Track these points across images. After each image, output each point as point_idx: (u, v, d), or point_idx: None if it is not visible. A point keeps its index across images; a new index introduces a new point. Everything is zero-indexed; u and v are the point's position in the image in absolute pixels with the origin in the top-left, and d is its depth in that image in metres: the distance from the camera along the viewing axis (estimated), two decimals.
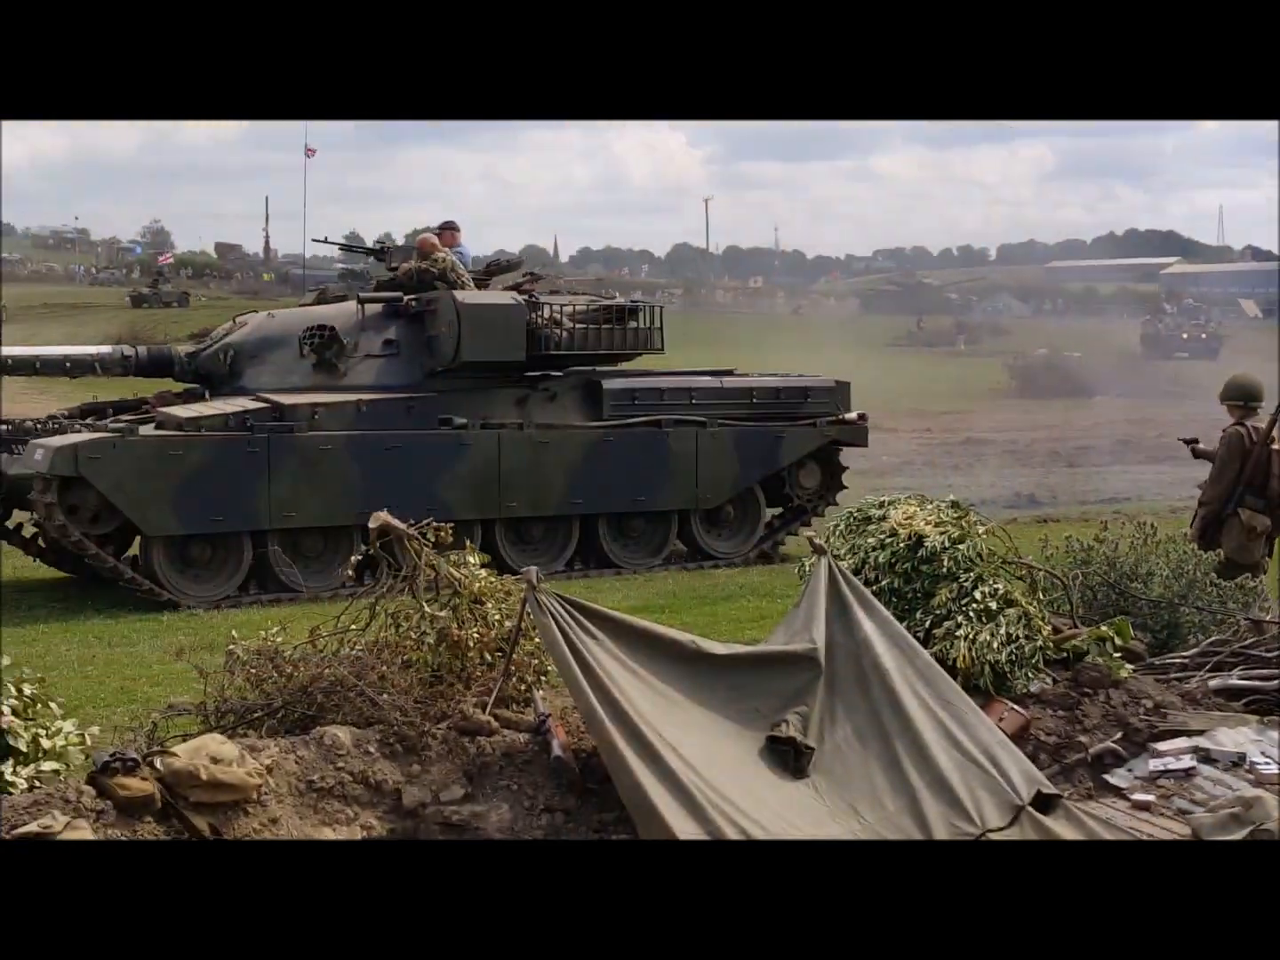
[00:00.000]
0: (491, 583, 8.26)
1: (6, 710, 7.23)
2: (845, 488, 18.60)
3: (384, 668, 7.79)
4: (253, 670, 7.94)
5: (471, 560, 8.34)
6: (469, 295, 16.91)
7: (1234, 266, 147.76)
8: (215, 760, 6.77)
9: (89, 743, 7.47)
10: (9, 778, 6.91)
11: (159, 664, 11.95)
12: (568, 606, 7.29)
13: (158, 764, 6.70)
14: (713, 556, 17.92)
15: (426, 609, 8.05)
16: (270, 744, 7.22)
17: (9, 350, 17.34)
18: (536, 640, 7.87)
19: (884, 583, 8.88)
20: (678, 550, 18.00)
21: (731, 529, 18.32)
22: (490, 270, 18.83)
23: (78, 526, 14.51)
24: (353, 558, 9.12)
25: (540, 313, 17.06)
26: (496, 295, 17.36)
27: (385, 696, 7.55)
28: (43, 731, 7.28)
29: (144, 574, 14.93)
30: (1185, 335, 68.88)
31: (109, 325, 49.24)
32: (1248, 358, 52.94)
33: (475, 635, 7.98)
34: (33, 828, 6.15)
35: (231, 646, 8.07)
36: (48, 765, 7.14)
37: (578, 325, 17.35)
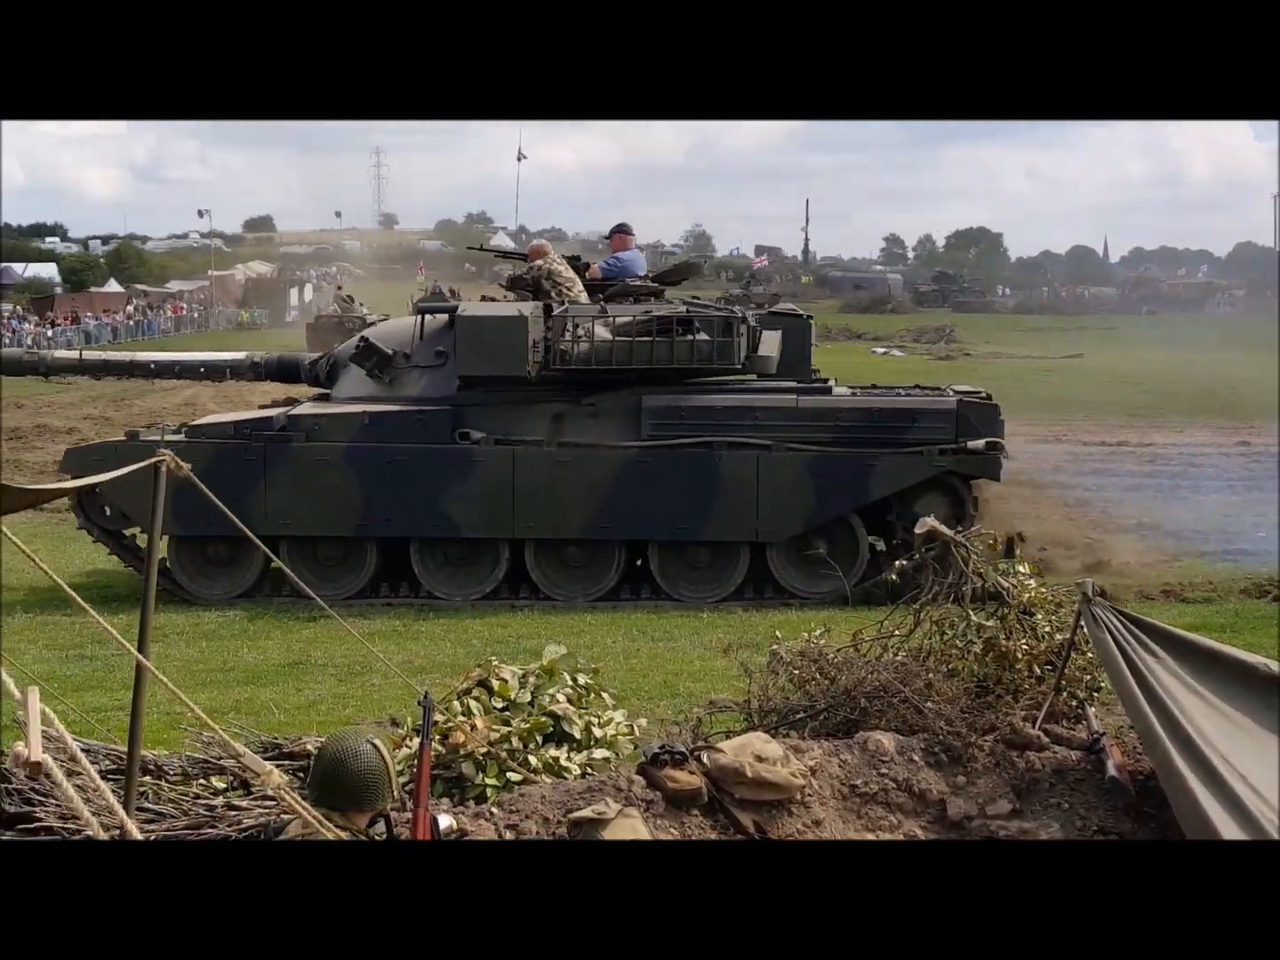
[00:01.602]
0: (1042, 593, 8.00)
1: (562, 698, 7.53)
2: (976, 525, 14.89)
3: (929, 675, 7.67)
4: (796, 671, 7.99)
5: (1021, 570, 8.11)
6: (471, 308, 16.03)
7: None
8: (760, 759, 6.82)
9: (637, 733, 7.70)
10: (564, 763, 7.20)
11: (700, 660, 12.22)
12: (1125, 622, 6.95)
13: (704, 759, 6.80)
14: (795, 595, 15.49)
15: (973, 618, 7.88)
16: (814, 746, 7.21)
17: (151, 356, 18.28)
18: (1089, 655, 7.56)
19: None
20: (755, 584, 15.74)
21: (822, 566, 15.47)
22: (660, 278, 17.48)
23: (99, 523, 15.27)
24: (898, 562, 8.99)
25: (560, 325, 15.48)
26: (501, 308, 16.07)
27: (930, 705, 7.42)
28: (595, 720, 7.55)
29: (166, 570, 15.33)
30: None
31: None
32: None
33: (1024, 647, 7.75)
34: (587, 812, 6.35)
35: (775, 647, 8.14)
36: (599, 753, 7.40)
37: (619, 339, 15.44)
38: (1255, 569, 16.71)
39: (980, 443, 15.44)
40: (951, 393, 16.90)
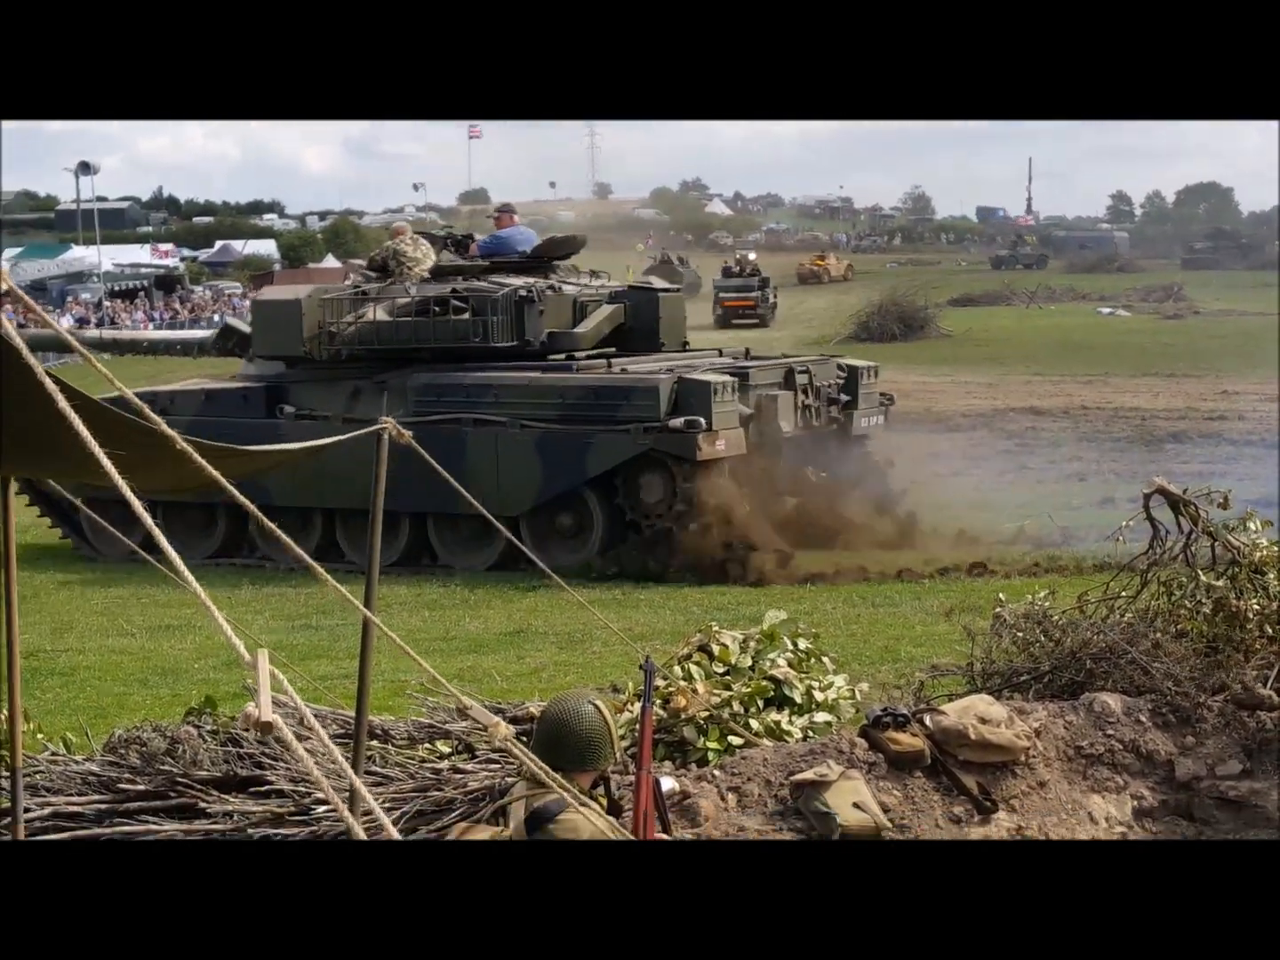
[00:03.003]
0: (1274, 551, 7.81)
1: (783, 663, 7.59)
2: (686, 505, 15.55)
3: (1156, 636, 7.55)
4: (1020, 634, 7.93)
5: (1253, 527, 7.93)
6: (267, 291, 17.22)
7: None
8: (983, 721, 6.79)
9: (858, 698, 7.72)
10: (785, 726, 7.25)
11: (921, 625, 12.17)
12: None
13: (927, 721, 6.80)
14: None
15: (1203, 577, 7.73)
16: (1038, 707, 7.16)
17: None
18: None
19: None
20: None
21: (565, 540, 16.12)
22: (544, 253, 17.86)
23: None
24: (1124, 523, 8.86)
25: (335, 307, 16.74)
26: (286, 291, 17.28)
27: (1158, 665, 7.31)
28: (816, 684, 7.59)
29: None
30: None
31: (870, 291, 50.56)
32: None
33: (1255, 606, 7.58)
34: (809, 775, 6.40)
35: (999, 609, 8.08)
36: (821, 717, 7.43)
37: (402, 319, 16.54)
38: None
39: (680, 421, 15.28)
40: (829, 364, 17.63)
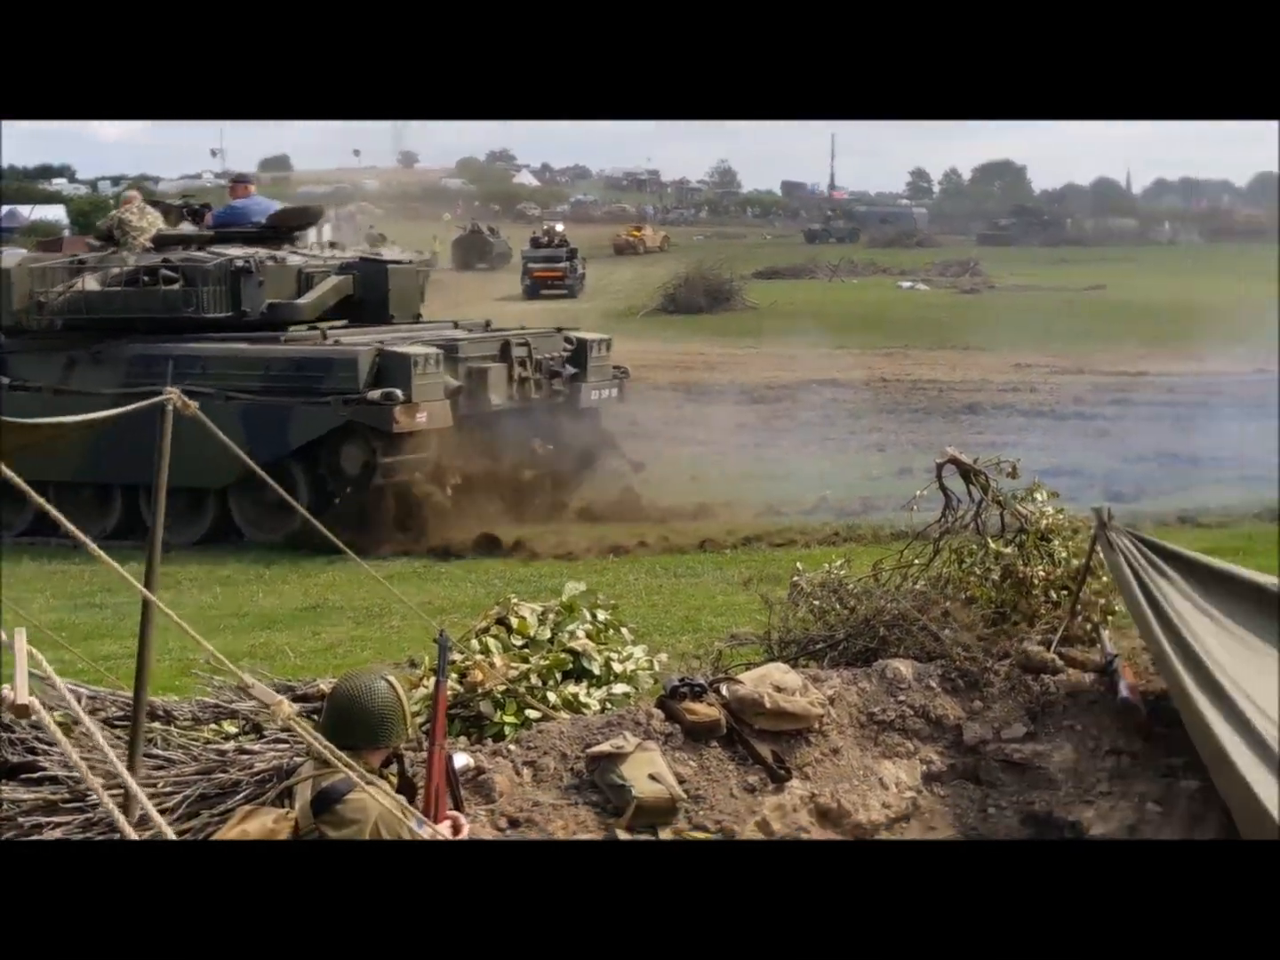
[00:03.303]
0: (1059, 520, 8.01)
1: (581, 635, 7.58)
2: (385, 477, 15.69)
3: (947, 603, 7.70)
4: (816, 602, 8.02)
5: (1039, 497, 8.12)
6: None
7: None
8: (779, 689, 6.86)
9: (657, 668, 7.74)
10: (583, 699, 7.24)
11: (722, 595, 12.26)
12: (1140, 545, 6.98)
13: (724, 690, 6.84)
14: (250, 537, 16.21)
15: (992, 545, 7.90)
16: (833, 675, 7.26)
17: None
18: (1104, 579, 7.59)
19: None
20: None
21: (274, 512, 15.97)
22: (280, 223, 18.05)
23: None
24: (917, 492, 9.02)
25: (44, 276, 16.83)
26: None
27: (948, 632, 7.46)
28: (614, 656, 7.59)
29: None
30: None
31: (675, 263, 50.82)
32: None
33: (1041, 573, 7.78)
34: (605, 747, 6.40)
35: (796, 579, 8.17)
36: (619, 688, 7.44)
37: (113, 289, 16.71)
38: (1269, 493, 16.71)
39: (377, 393, 15.42)
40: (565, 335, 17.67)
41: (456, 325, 18.23)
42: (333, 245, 18.85)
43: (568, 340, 17.87)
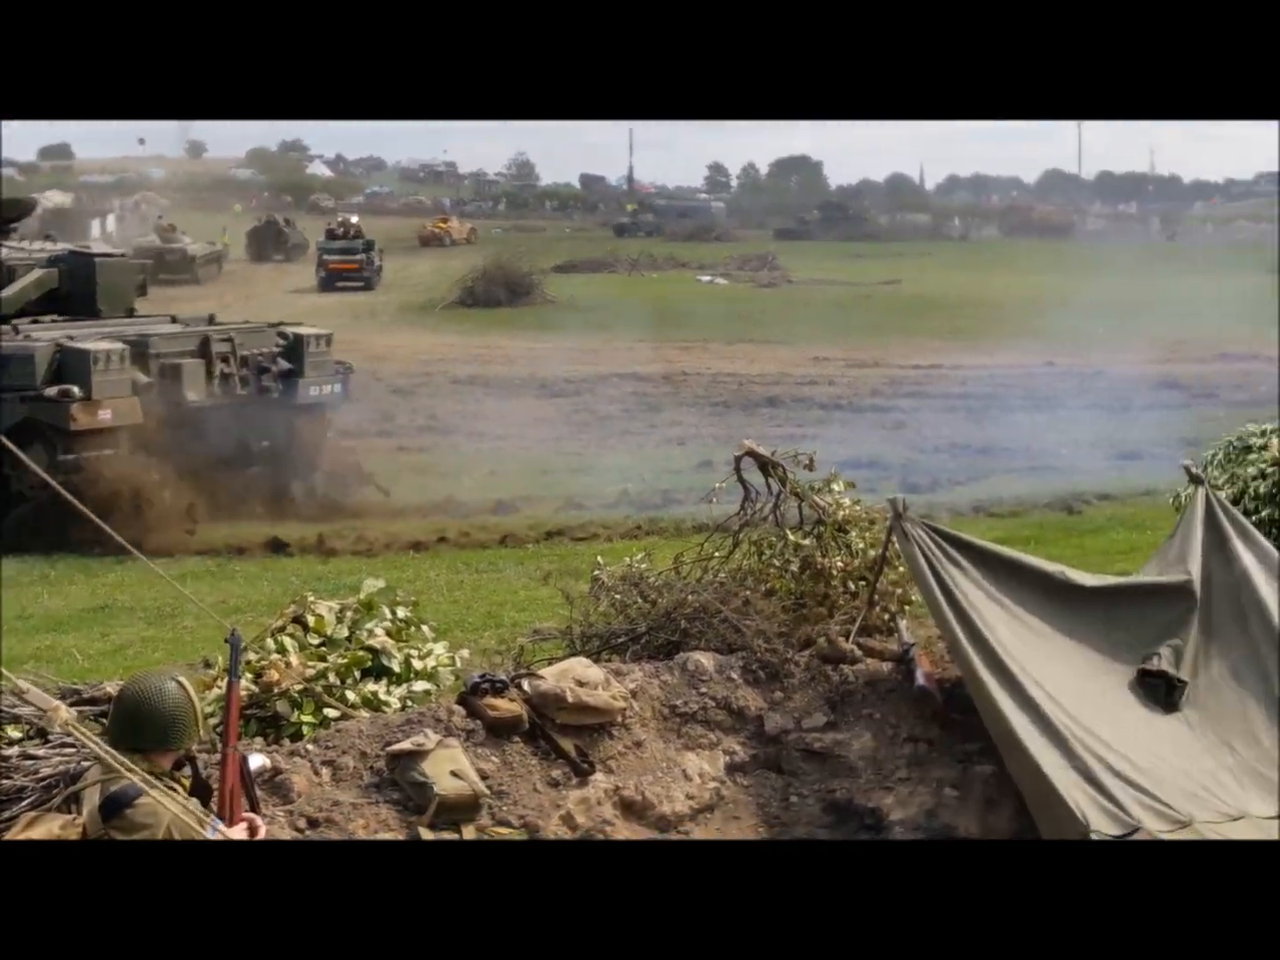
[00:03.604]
0: (856, 511, 8.11)
1: (380, 632, 7.46)
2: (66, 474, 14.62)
3: (747, 594, 7.74)
4: (617, 596, 8.01)
5: (836, 488, 8.21)
6: None
7: None
8: (581, 683, 6.84)
9: (459, 665, 7.66)
10: (383, 696, 7.13)
11: (524, 590, 12.21)
12: (934, 535, 7.09)
13: (525, 686, 6.79)
14: None
15: (790, 537, 7.96)
16: (635, 668, 7.25)
17: None
18: (901, 569, 7.70)
19: (1264, 513, 8.51)
20: None
21: None
22: None
23: None
24: (717, 485, 9.07)
25: None
26: None
27: (748, 623, 7.50)
28: (415, 653, 7.49)
29: None
30: None
31: (474, 256, 50.50)
32: None
33: (839, 564, 7.86)
34: (406, 745, 6.31)
35: (598, 573, 8.15)
36: (419, 685, 7.34)
37: None
38: (1058, 483, 17.21)
39: (54, 390, 15.28)
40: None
41: (175, 320, 17.76)
42: (48, 238, 18.17)
43: (282, 336, 17.53)
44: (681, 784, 6.84)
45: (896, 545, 7.28)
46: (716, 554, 8.20)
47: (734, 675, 7.27)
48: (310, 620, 7.35)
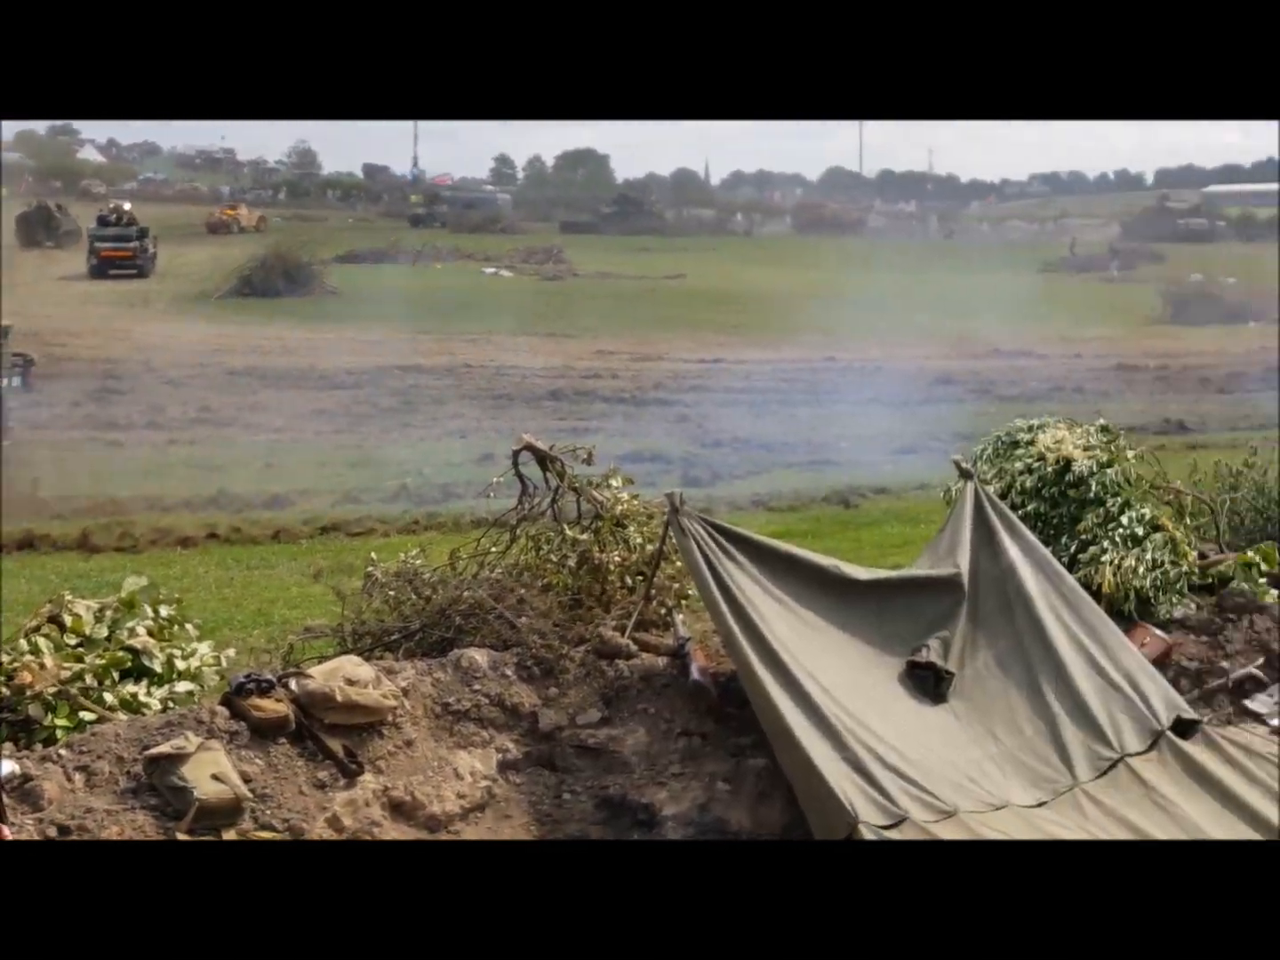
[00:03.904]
0: (634, 505, 8.08)
1: (142, 631, 7.20)
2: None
3: (523, 590, 7.66)
4: (391, 593, 7.86)
5: (615, 483, 8.17)
6: None
7: None
8: (351, 682, 6.68)
9: (224, 665, 7.43)
10: (143, 698, 6.88)
11: (297, 587, 11.96)
12: (711, 530, 7.09)
13: (293, 685, 6.62)
14: None
15: (568, 532, 7.89)
16: (407, 666, 7.12)
17: None
18: (678, 564, 7.69)
19: (1030, 507, 8.68)
20: None
21: None
22: None
23: None
24: (494, 479, 8.96)
25: None
26: None
27: (524, 619, 7.41)
28: (178, 653, 7.25)
29: None
30: None
31: (253, 245, 49.52)
32: None
33: (616, 559, 7.82)
34: (165, 748, 6.09)
35: (370, 569, 7.99)
36: (182, 686, 7.10)
37: None
38: (836, 478, 17.46)
39: None
40: None
41: None
42: None
43: None
44: (453, 783, 6.72)
45: (674, 540, 7.28)
46: (493, 549, 8.10)
47: (508, 672, 7.18)
48: (67, 620, 7.06)
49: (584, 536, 7.91)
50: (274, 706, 6.48)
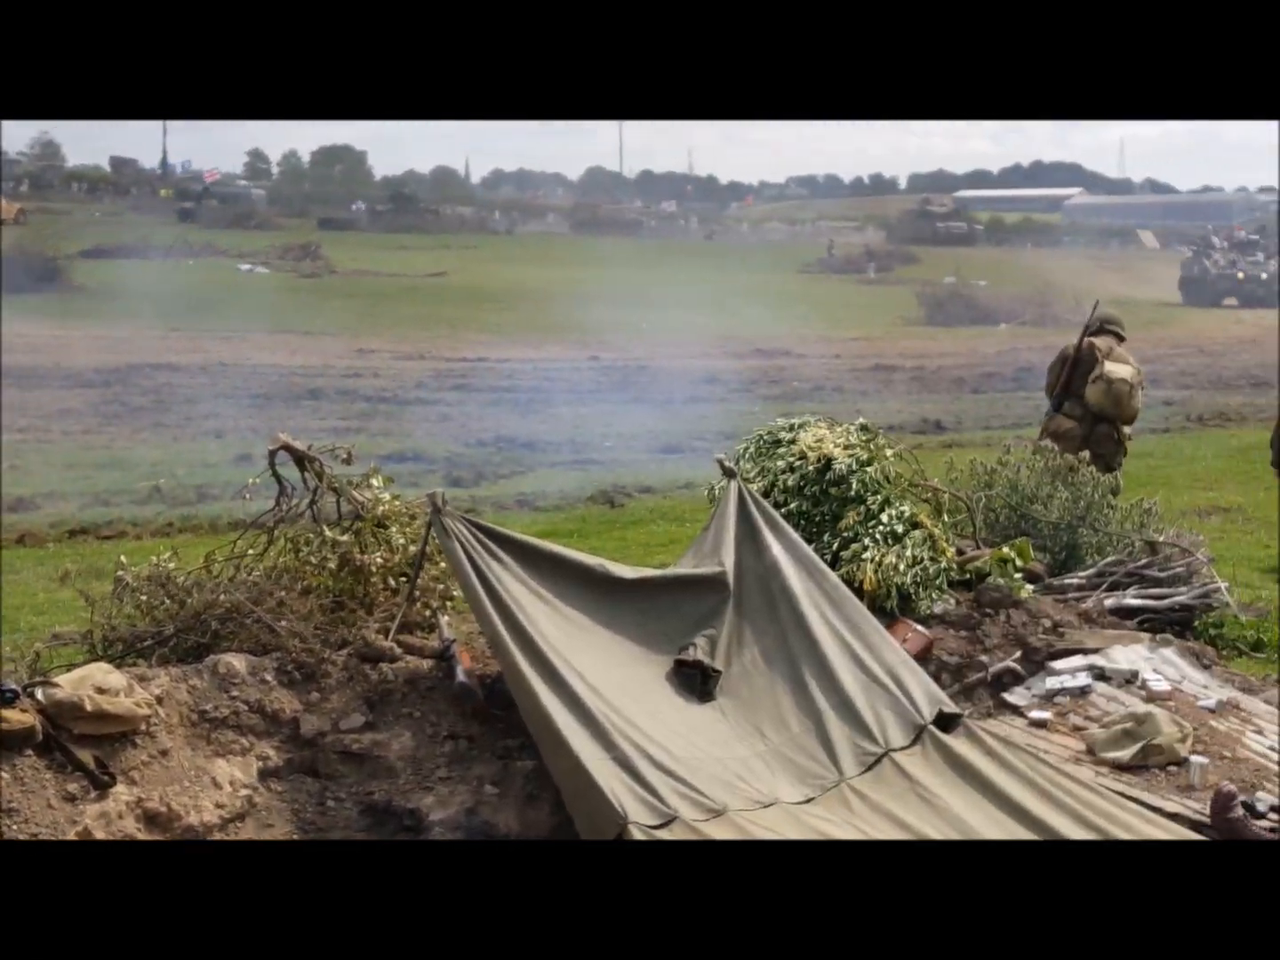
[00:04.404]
0: (396, 506, 7.96)
1: None
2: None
3: (283, 593, 7.48)
4: (143, 597, 7.61)
5: (375, 483, 8.04)
6: None
7: (1134, 199, 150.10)
8: (101, 691, 6.43)
9: None
10: None
11: (44, 592, 11.52)
12: (474, 530, 7.02)
13: (39, 695, 6.34)
14: None
15: (328, 533, 7.74)
16: (161, 673, 6.88)
17: None
18: (442, 565, 7.61)
19: (793, 505, 8.80)
20: None
21: None
22: None
23: None
24: (250, 480, 8.74)
25: None
26: None
27: (284, 623, 7.24)
28: None
29: None
30: (1241, 275, 53.49)
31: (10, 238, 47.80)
32: (1149, 286, 53.46)
33: (379, 560, 7.70)
34: None
35: (121, 573, 7.71)
36: None
37: None
38: (601, 477, 17.50)
39: None
40: None
41: None
42: None
43: None
44: (211, 792, 6.51)
45: (437, 540, 7.19)
46: (250, 552, 7.91)
47: (268, 677, 7.00)
48: None
49: (345, 538, 7.77)
50: (19, 717, 6.19)
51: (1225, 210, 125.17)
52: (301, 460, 7.88)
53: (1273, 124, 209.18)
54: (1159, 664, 8.59)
